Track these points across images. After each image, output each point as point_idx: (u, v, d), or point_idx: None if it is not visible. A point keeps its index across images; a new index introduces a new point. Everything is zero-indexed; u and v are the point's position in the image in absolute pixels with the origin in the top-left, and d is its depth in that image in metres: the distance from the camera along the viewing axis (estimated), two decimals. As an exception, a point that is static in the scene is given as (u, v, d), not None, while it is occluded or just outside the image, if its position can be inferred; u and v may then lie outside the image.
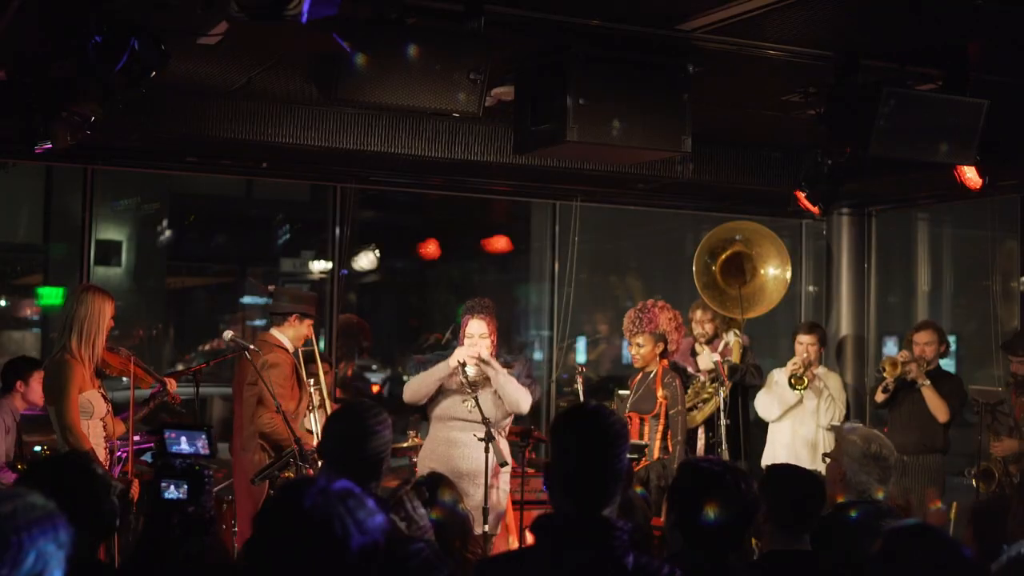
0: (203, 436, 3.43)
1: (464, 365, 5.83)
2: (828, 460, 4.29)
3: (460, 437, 5.91)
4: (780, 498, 3.60)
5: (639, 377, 6.76)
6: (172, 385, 5.94)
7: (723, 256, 7.83)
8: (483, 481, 5.70)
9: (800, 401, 7.57)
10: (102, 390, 5.72)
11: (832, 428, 7.48)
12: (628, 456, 6.14)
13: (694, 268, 7.75)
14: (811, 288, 9.43)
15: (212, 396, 10.14)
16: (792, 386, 7.46)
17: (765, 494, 3.63)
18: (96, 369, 5.69)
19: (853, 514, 3.66)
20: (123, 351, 5.72)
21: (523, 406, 5.94)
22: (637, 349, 6.69)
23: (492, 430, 5.66)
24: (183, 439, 3.43)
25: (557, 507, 2.68)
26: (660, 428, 6.56)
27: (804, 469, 4.01)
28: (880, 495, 4.12)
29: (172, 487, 3.32)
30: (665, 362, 6.75)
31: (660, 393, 6.56)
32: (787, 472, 3.86)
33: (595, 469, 2.62)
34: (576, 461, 2.64)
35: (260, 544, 2.03)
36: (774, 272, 7.83)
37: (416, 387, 6.02)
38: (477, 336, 5.93)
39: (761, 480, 3.76)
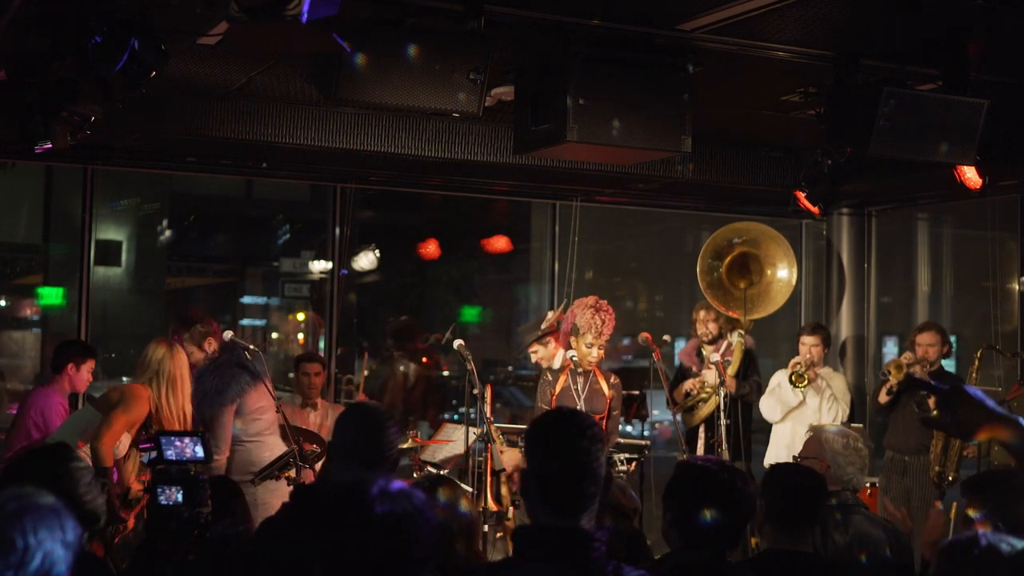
0: (198, 441, 3.45)
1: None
2: (803, 461, 4.27)
3: None
4: (778, 496, 3.60)
5: (569, 374, 6.48)
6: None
7: (729, 257, 7.80)
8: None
9: (803, 401, 7.55)
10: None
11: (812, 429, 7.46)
12: (628, 456, 6.17)
13: (698, 268, 7.71)
14: (811, 288, 9.42)
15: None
16: (793, 384, 7.41)
17: (764, 492, 3.63)
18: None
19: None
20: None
21: None
22: (599, 351, 6.53)
23: (491, 431, 5.63)
24: (178, 445, 3.44)
25: (534, 516, 2.58)
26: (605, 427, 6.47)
27: (805, 467, 3.99)
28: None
29: (168, 493, 3.34)
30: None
31: (609, 393, 6.40)
32: (786, 470, 3.85)
33: (572, 475, 2.52)
34: (553, 468, 2.54)
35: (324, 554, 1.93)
36: (781, 273, 7.80)
37: None
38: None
39: (763, 478, 3.75)
